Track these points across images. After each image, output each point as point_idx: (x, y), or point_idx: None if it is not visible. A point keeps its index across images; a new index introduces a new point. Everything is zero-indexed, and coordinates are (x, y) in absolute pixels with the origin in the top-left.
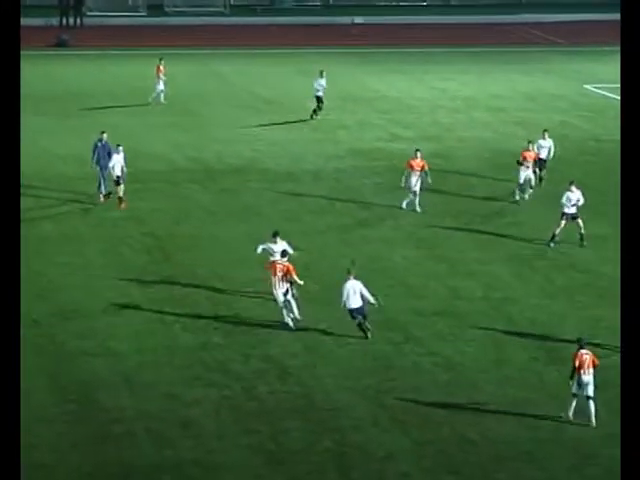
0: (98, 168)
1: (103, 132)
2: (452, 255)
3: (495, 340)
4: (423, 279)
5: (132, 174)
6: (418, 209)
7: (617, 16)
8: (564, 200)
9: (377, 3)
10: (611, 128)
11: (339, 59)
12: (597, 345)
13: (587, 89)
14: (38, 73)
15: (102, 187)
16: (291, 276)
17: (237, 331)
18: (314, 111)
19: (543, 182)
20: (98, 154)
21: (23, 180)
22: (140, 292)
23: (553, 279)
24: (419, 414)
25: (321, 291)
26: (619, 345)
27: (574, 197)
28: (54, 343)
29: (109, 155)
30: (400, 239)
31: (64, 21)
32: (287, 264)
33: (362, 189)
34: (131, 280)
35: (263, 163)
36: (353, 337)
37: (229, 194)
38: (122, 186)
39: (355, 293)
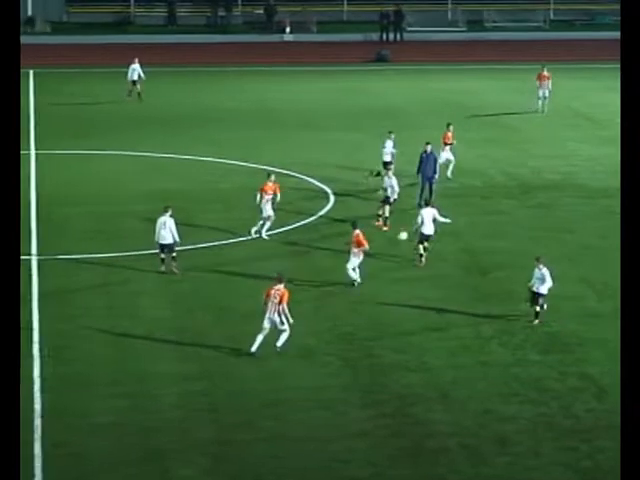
0: (421, 177)
1: (428, 143)
2: None
3: None
4: None
5: (452, 188)
6: None
7: None
8: None
9: None
10: None
11: None
12: None
13: None
14: (357, 88)
15: (419, 197)
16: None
17: (553, 349)
18: None
19: None
20: (423, 164)
21: (335, 188)
22: (456, 307)
23: None
24: None
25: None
26: None
27: None
28: (370, 357)
29: (434, 164)
30: None
31: (384, 36)
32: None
33: None
34: (445, 294)
35: (580, 179)
36: None
37: (545, 210)
38: (387, 207)
39: (542, 280)
